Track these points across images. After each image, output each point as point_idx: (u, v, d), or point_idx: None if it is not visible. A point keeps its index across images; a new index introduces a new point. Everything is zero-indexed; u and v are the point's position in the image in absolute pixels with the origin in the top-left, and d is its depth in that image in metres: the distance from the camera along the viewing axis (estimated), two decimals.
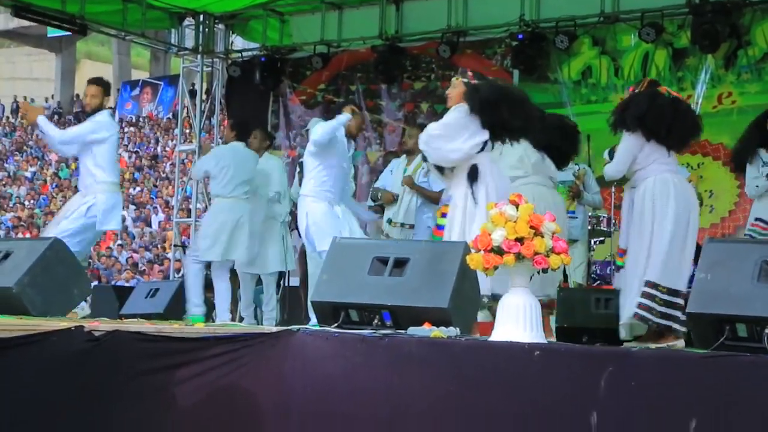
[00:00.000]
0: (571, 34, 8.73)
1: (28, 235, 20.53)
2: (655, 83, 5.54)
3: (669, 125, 5.14)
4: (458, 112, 5.29)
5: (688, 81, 8.38)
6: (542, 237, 4.04)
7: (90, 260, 12.35)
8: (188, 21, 10.57)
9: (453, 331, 4.26)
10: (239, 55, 10.77)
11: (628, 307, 5.02)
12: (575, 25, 8.75)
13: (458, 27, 9.26)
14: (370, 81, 10.04)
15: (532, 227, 4.03)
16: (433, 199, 7.28)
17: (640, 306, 4.92)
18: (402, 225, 7.32)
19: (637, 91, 5.40)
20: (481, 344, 4.05)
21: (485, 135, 5.25)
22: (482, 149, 5.28)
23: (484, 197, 5.13)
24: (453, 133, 5.25)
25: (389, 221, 7.40)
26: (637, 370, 3.49)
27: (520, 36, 8.90)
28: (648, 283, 4.94)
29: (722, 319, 3.77)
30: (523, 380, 3.71)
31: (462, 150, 5.23)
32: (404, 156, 7.68)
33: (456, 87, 5.42)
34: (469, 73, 5.60)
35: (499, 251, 4.03)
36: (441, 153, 5.32)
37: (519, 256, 4.01)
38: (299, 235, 8.62)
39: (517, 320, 4.08)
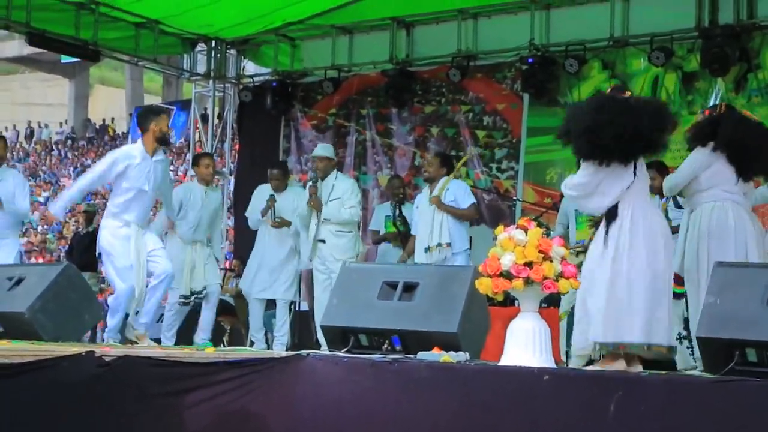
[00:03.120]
0: (580, 58, 8.75)
1: (41, 260, 20.62)
2: (732, 108, 5.43)
3: (756, 154, 5.07)
4: (587, 168, 4.68)
5: (698, 105, 8.36)
6: (551, 261, 4.05)
7: (102, 285, 12.38)
8: (200, 46, 10.65)
9: (462, 355, 4.26)
10: (251, 80, 10.82)
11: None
12: (585, 49, 8.76)
13: (468, 51, 9.29)
14: (380, 105, 10.06)
15: (540, 252, 4.05)
16: (462, 216, 7.40)
17: None
18: (439, 245, 7.27)
19: (715, 114, 5.26)
20: (490, 369, 4.04)
21: (629, 178, 4.59)
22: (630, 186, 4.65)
23: (624, 237, 4.56)
24: (591, 190, 4.67)
25: (426, 249, 7.29)
26: (647, 394, 3.48)
27: (530, 60, 8.91)
28: None
29: (732, 343, 3.76)
30: (533, 405, 3.70)
31: (604, 205, 4.64)
32: (426, 187, 7.68)
33: None
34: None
35: (508, 276, 4.04)
36: (587, 210, 4.96)
37: (528, 281, 4.02)
38: (309, 260, 8.69)
39: (527, 345, 4.08)
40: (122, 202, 6.41)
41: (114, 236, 6.39)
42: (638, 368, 4.53)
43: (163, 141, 6.46)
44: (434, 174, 7.51)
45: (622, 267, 4.48)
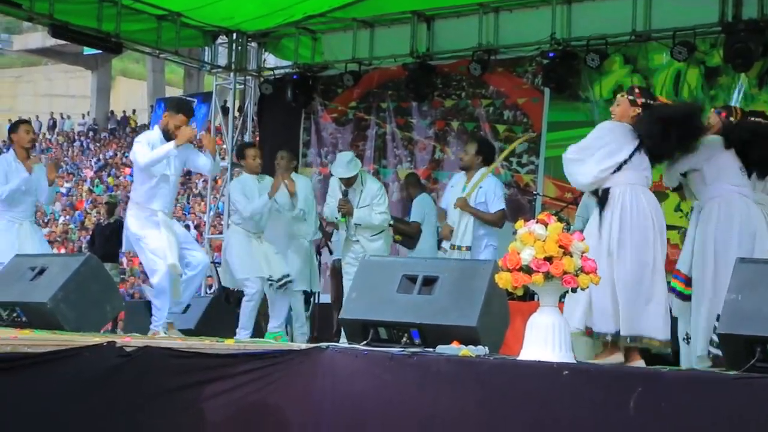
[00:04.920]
0: (602, 52, 8.71)
1: (63, 251, 20.77)
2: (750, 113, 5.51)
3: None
4: (597, 131, 4.90)
5: (720, 100, 8.30)
6: (571, 256, 4.04)
7: (123, 276, 12.46)
8: (221, 39, 10.68)
9: (482, 349, 4.26)
10: (271, 72, 10.85)
11: (701, 343, 4.85)
12: (606, 44, 8.72)
13: (489, 45, 9.27)
14: (400, 98, 10.06)
15: (561, 246, 4.03)
16: (488, 221, 7.03)
17: (714, 344, 4.65)
18: (459, 247, 7.00)
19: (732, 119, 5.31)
20: (509, 363, 4.04)
21: (625, 153, 4.75)
22: (619, 168, 4.78)
23: (615, 226, 4.71)
24: (587, 156, 4.82)
25: (452, 246, 7.08)
26: (667, 391, 3.47)
27: (551, 54, 8.88)
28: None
29: (753, 340, 3.74)
30: (552, 400, 3.70)
31: (590, 174, 4.80)
32: (463, 172, 7.28)
33: (620, 104, 4.99)
34: (636, 90, 5.04)
35: (527, 270, 4.03)
36: (573, 179, 4.96)
37: (548, 276, 4.01)
38: (329, 252, 8.68)
39: (546, 340, 4.07)
40: (146, 191, 6.41)
41: (141, 220, 6.37)
42: (640, 363, 4.57)
43: (164, 133, 6.49)
44: (468, 162, 7.12)
45: (610, 260, 4.65)
